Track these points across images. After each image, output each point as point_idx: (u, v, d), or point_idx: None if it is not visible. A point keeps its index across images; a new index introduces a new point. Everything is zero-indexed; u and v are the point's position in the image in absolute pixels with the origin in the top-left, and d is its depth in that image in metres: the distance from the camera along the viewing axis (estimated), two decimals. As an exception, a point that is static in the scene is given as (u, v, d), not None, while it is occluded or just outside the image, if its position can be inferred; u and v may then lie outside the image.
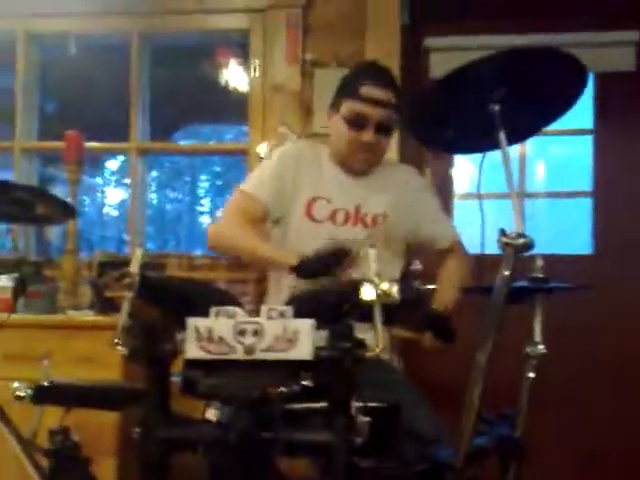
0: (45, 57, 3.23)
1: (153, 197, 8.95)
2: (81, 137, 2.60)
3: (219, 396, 1.08)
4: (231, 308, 1.10)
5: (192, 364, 1.08)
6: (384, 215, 1.96)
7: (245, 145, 3.00)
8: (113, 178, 9.27)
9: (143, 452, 1.12)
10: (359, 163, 1.96)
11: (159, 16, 3.02)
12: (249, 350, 1.07)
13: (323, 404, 1.11)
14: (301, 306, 1.11)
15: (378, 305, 1.09)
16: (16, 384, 1.39)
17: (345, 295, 1.14)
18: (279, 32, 2.84)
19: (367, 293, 1.10)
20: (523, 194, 3.01)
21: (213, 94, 3.47)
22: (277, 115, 2.82)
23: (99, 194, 9.23)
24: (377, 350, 1.08)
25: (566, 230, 3.37)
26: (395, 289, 1.09)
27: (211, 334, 1.08)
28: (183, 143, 5.16)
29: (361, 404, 1.09)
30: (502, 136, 1.36)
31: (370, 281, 1.10)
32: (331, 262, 1.49)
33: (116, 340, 1.14)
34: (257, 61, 2.91)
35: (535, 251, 1.48)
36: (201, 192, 10.16)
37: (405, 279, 2.05)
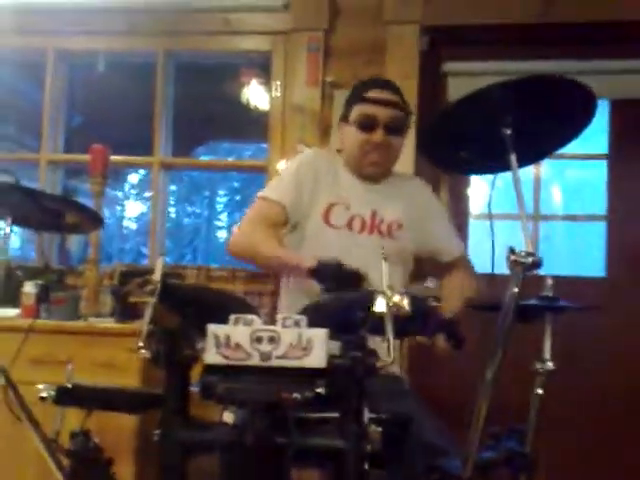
0: (73, 73, 3.34)
1: (171, 211, 9.06)
2: (107, 151, 2.68)
3: (235, 400, 1.12)
4: (249, 316, 1.14)
5: (210, 369, 1.13)
6: (399, 223, 1.99)
7: (265, 162, 3.08)
8: (133, 191, 9.39)
9: (162, 453, 1.17)
10: (372, 165, 1.99)
11: (184, 36, 3.12)
12: (265, 357, 1.11)
13: (335, 412, 1.15)
14: (315, 316, 1.15)
15: (389, 317, 1.13)
16: (40, 386, 1.44)
17: (358, 307, 1.18)
18: (300, 54, 2.92)
19: (380, 305, 1.14)
20: (538, 216, 3.04)
21: (235, 112, 3.55)
22: (296, 134, 2.89)
23: (118, 207, 9.35)
24: (389, 360, 1.12)
25: (580, 252, 3.39)
26: (406, 301, 1.14)
27: (229, 341, 1.12)
28: (203, 158, 5.25)
29: (374, 415, 1.13)
30: (513, 159, 1.41)
31: (382, 293, 1.14)
32: (347, 277, 1.53)
33: (140, 344, 1.18)
34: (278, 82, 2.99)
35: (549, 272, 1.53)
36: (219, 207, 10.25)
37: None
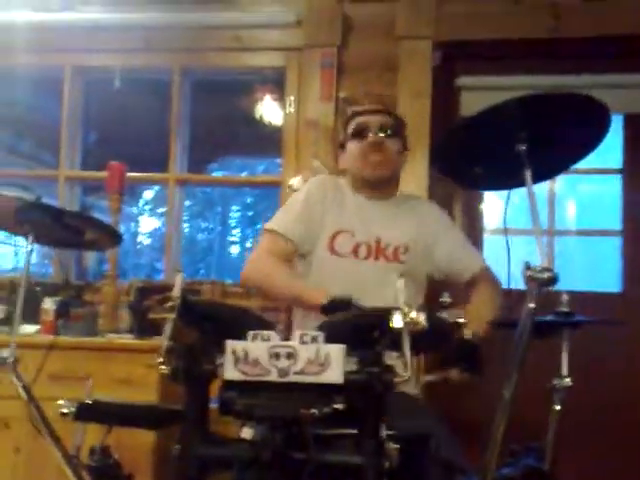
0: (89, 90, 3.38)
1: (185, 226, 9.11)
2: (124, 168, 2.71)
3: (254, 415, 1.13)
4: (266, 332, 1.15)
5: (229, 385, 1.14)
6: (405, 247, 2.00)
7: (278, 177, 3.10)
8: (147, 207, 9.45)
9: (181, 469, 1.18)
10: (373, 167, 2.01)
11: (200, 53, 3.15)
12: (283, 372, 1.12)
13: (353, 428, 1.15)
14: (332, 332, 1.16)
15: (406, 333, 1.14)
16: (61, 402, 1.45)
17: (375, 323, 1.19)
18: (314, 70, 2.94)
19: (396, 321, 1.15)
20: (553, 231, 3.04)
21: (249, 128, 3.58)
22: (310, 149, 2.91)
23: (132, 223, 9.41)
24: (405, 376, 1.12)
25: (595, 268, 3.37)
26: (423, 317, 1.14)
27: (247, 356, 1.13)
28: (216, 174, 5.27)
29: (391, 432, 1.13)
30: (528, 175, 1.41)
31: (399, 309, 1.15)
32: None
33: (160, 360, 1.19)
34: (292, 97, 3.01)
35: (564, 288, 1.52)
36: (232, 222, 10.28)
37: (432, 310, 2.07)
